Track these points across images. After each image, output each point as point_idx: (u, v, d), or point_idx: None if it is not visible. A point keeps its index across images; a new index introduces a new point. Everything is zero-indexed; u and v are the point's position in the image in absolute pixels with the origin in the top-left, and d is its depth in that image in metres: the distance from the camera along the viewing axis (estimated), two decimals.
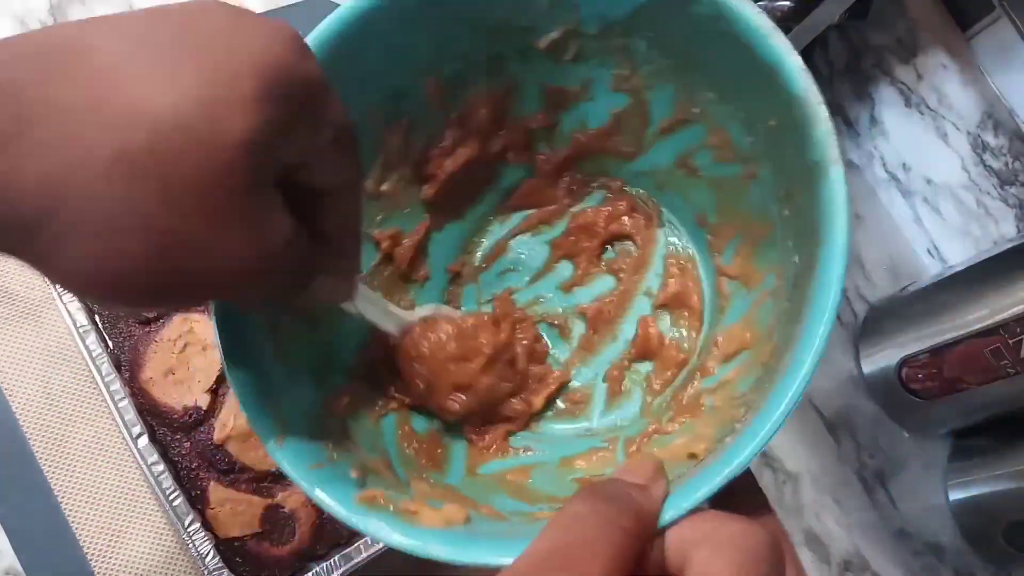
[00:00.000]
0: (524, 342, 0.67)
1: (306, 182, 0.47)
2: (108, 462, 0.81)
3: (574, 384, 0.69)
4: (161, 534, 0.80)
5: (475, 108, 0.64)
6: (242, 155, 0.39)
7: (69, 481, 0.79)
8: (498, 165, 0.68)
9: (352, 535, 0.81)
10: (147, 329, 0.81)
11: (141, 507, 0.80)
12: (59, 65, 0.38)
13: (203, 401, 0.81)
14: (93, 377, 0.76)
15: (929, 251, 1.26)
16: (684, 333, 0.67)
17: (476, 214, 0.71)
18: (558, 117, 0.66)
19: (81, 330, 0.76)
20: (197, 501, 0.77)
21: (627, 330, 0.69)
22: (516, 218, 0.72)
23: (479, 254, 0.71)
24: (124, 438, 0.75)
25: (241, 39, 0.41)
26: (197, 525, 0.75)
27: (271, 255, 0.43)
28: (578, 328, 0.70)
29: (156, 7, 0.42)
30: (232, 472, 0.80)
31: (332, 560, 0.77)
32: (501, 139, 0.66)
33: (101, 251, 0.39)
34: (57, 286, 0.54)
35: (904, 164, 1.27)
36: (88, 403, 0.82)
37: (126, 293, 0.41)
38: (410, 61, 0.59)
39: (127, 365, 0.79)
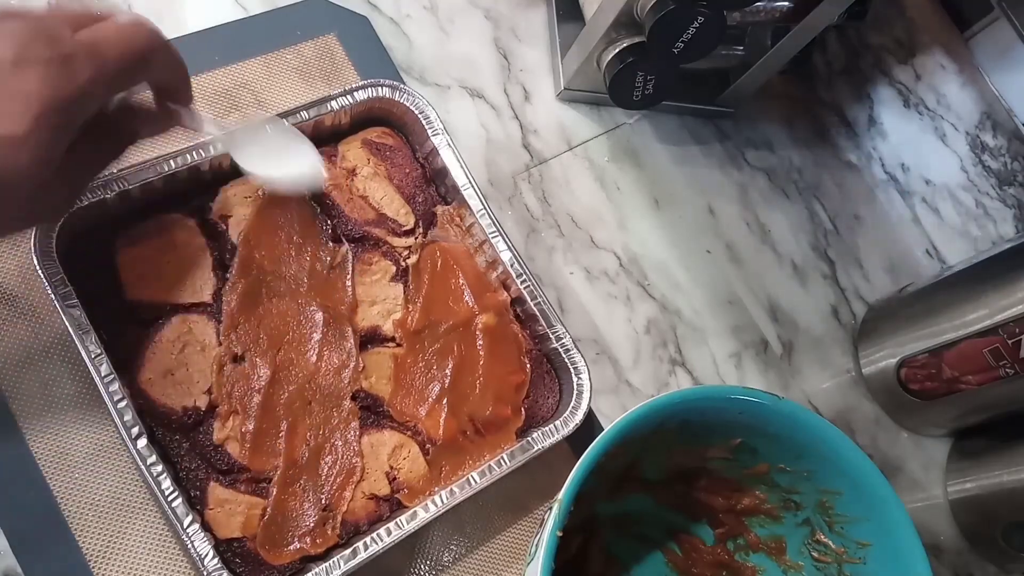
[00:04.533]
0: None
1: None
2: (107, 463, 0.81)
3: None
4: (160, 535, 0.80)
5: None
6: (25, 176, 0.56)
7: (68, 482, 0.79)
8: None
9: (351, 536, 0.81)
10: (146, 330, 0.81)
11: (140, 508, 0.80)
12: None
13: (202, 402, 0.80)
14: (92, 378, 0.75)
15: (928, 251, 1.26)
16: None
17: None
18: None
19: (80, 331, 0.76)
20: (196, 502, 0.77)
21: None
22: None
23: None
24: (123, 439, 0.74)
25: (22, 79, 0.54)
26: (196, 526, 0.74)
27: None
28: None
29: None
30: (231, 473, 0.79)
31: (331, 560, 0.77)
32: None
33: None
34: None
35: (903, 164, 1.27)
36: (87, 404, 0.81)
37: None
38: None
39: (126, 366, 0.78)
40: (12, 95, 0.54)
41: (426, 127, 0.94)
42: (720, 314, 1.11)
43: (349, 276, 0.89)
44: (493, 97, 1.10)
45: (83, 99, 0.57)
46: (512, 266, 0.92)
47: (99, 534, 0.78)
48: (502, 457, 0.85)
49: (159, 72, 0.66)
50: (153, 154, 0.81)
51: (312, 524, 0.80)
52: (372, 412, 0.86)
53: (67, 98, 0.56)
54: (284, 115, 0.87)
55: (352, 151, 0.93)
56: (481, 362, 0.91)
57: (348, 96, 0.91)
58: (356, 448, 0.83)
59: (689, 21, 0.95)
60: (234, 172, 0.86)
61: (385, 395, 0.87)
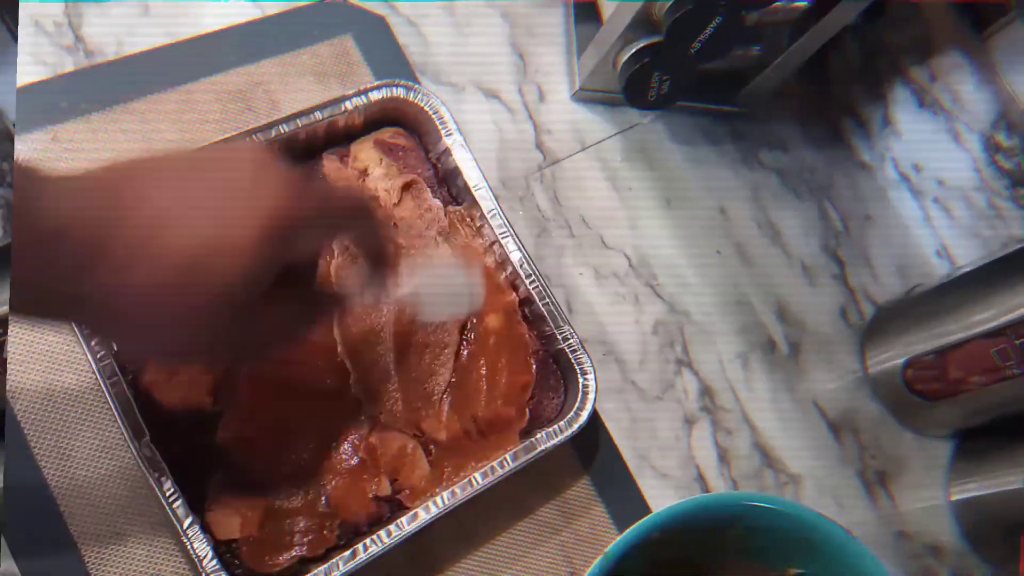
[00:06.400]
0: None
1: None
2: (109, 464, 0.82)
3: None
4: (160, 536, 0.81)
5: None
6: (238, 285, 0.59)
7: (69, 483, 0.80)
8: None
9: (351, 538, 0.82)
10: None
11: (141, 509, 0.81)
12: (118, 210, 0.55)
13: (205, 403, 0.81)
14: (96, 378, 0.76)
15: (938, 252, 1.25)
16: None
17: None
18: None
19: (85, 331, 0.77)
20: (197, 503, 0.77)
21: None
22: None
23: None
24: (125, 439, 0.75)
25: (258, 195, 0.60)
26: (196, 527, 0.75)
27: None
28: None
29: (195, 158, 0.64)
30: (232, 474, 0.80)
31: (331, 562, 0.78)
32: None
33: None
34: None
35: (916, 165, 1.26)
36: (90, 404, 0.82)
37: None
38: None
39: (130, 366, 0.79)
40: (247, 209, 0.59)
41: (439, 127, 0.94)
42: (729, 314, 1.11)
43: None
44: (508, 97, 1.10)
45: (305, 224, 0.63)
46: (521, 267, 0.92)
47: (99, 535, 0.79)
48: (505, 458, 0.85)
49: (364, 233, 0.72)
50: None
51: (311, 526, 0.81)
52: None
53: (292, 218, 0.61)
54: (298, 115, 0.87)
55: (364, 151, 0.93)
56: (486, 362, 0.91)
57: (362, 96, 0.91)
58: (358, 449, 0.84)
59: (707, 21, 0.95)
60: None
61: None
